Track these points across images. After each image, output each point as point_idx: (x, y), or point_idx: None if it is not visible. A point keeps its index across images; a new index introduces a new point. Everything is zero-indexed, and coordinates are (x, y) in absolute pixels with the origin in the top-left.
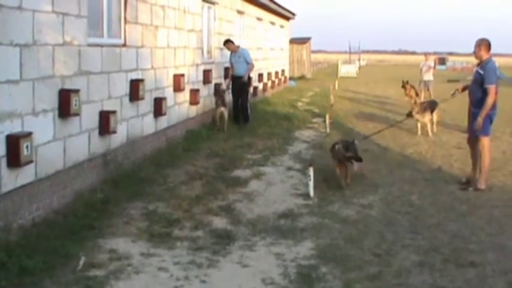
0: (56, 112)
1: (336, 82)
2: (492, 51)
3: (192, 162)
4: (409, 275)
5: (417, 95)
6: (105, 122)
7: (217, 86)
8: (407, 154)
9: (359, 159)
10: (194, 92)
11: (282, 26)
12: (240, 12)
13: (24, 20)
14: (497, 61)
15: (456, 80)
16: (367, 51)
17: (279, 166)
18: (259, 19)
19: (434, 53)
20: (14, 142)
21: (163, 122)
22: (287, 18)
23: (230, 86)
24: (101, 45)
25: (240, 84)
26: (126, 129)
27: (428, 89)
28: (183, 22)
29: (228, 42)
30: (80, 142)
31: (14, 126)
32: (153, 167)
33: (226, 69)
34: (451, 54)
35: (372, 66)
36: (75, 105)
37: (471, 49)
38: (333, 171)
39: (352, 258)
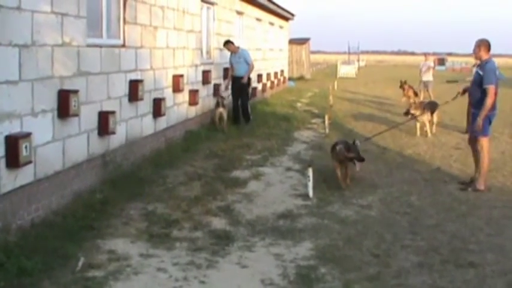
0: (55, 113)
1: (335, 83)
2: (492, 51)
3: (191, 162)
4: (408, 275)
5: (416, 95)
6: (104, 123)
7: (216, 87)
8: (406, 155)
9: (361, 159)
10: (193, 93)
11: (281, 27)
12: (239, 12)
13: (23, 21)
14: (497, 61)
15: (455, 81)
16: (366, 52)
17: (278, 167)
18: (258, 20)
19: (434, 54)
20: (13, 143)
21: (163, 122)
22: (286, 19)
23: (230, 87)
24: (100, 46)
25: (239, 85)
26: (125, 129)
27: (427, 90)
28: (182, 23)
29: (228, 43)
30: (79, 143)
31: (13, 127)
32: (152, 168)
33: (225, 70)
34: (450, 54)
35: (371, 66)
36: (74, 105)
37: (470, 50)
38: (332, 172)
39: (351, 258)
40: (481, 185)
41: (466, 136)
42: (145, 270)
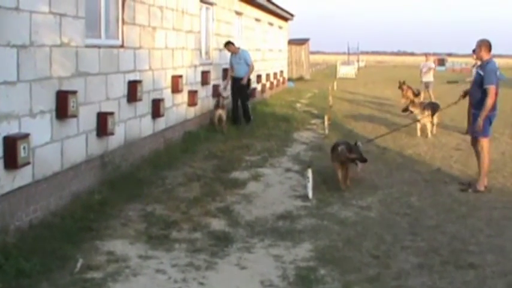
0: (54, 113)
1: (335, 83)
2: (492, 51)
3: (190, 163)
4: (408, 276)
5: (415, 95)
6: (102, 124)
7: (216, 88)
8: (406, 155)
9: (364, 160)
10: (192, 94)
11: (280, 27)
12: (238, 13)
13: (21, 21)
14: (497, 62)
15: (455, 81)
16: (366, 52)
17: (278, 168)
18: (257, 20)
19: (434, 54)
20: (11, 143)
21: (161, 123)
22: (285, 19)
23: (229, 87)
24: (99, 46)
25: (239, 86)
26: (123, 130)
27: (428, 90)
28: (181, 23)
29: (228, 44)
30: (77, 144)
31: (11, 128)
32: (151, 169)
33: (224, 71)
34: (450, 55)
35: (371, 67)
36: (73, 106)
37: (470, 50)
38: (332, 173)
39: (351, 260)
40: (481, 186)
41: (467, 137)
42: (144, 272)
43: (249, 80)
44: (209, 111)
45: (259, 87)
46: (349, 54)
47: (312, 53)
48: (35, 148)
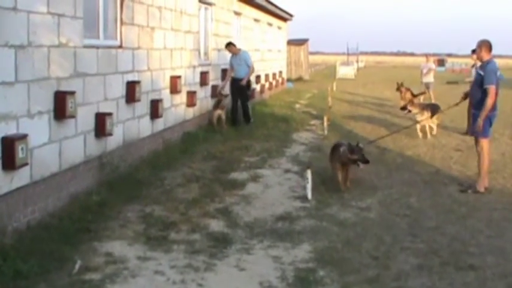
0: (52, 114)
1: (334, 84)
2: (492, 52)
3: (188, 164)
4: (407, 278)
5: (414, 96)
6: (101, 124)
7: (215, 88)
8: (406, 156)
9: (366, 161)
10: (191, 94)
11: (279, 27)
12: (237, 13)
13: (19, 21)
14: (497, 62)
15: (455, 82)
16: (366, 53)
17: (277, 168)
18: (256, 20)
19: (434, 55)
20: (9, 144)
21: (160, 124)
22: (284, 20)
23: (229, 88)
24: (97, 47)
25: (239, 86)
26: (122, 131)
27: (428, 91)
28: (179, 23)
29: (229, 45)
30: (75, 144)
31: (9, 128)
32: (149, 170)
33: (223, 71)
34: (449, 55)
35: (370, 67)
36: (71, 107)
37: (469, 51)
38: (331, 174)
39: (350, 261)
40: (481, 187)
41: (466, 138)
42: (142, 273)
43: (249, 81)
44: (208, 112)
45: (258, 87)
46: (348, 54)
47: (311, 53)
48: (33, 149)
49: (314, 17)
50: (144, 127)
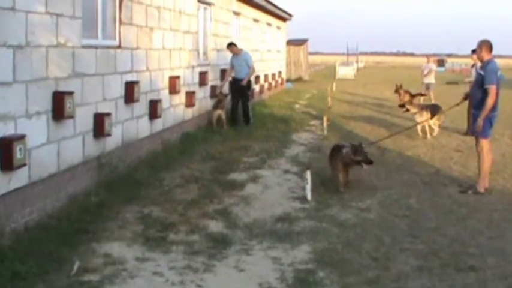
0: (50, 114)
1: (334, 84)
2: (492, 52)
3: (187, 165)
4: (407, 279)
5: (413, 96)
6: (99, 125)
7: (214, 88)
8: (405, 157)
9: (369, 162)
10: (190, 94)
11: (278, 28)
12: (236, 13)
13: (17, 21)
14: (498, 62)
15: (455, 82)
16: (365, 53)
17: (276, 169)
18: (255, 20)
19: (434, 55)
20: (7, 145)
21: (159, 124)
22: (284, 20)
23: (228, 88)
24: (95, 47)
25: (239, 87)
26: (121, 131)
27: (429, 92)
28: (178, 23)
29: (231, 45)
30: (74, 145)
31: (7, 129)
32: (148, 170)
33: (222, 71)
34: (449, 55)
35: (370, 68)
36: (69, 107)
37: (469, 51)
38: (331, 174)
39: (350, 262)
40: (481, 188)
41: (466, 138)
42: (141, 274)
43: (249, 81)
44: (207, 112)
45: (257, 88)
46: (348, 54)
47: (311, 53)
48: (31, 149)
49: (314, 17)
50: (143, 127)
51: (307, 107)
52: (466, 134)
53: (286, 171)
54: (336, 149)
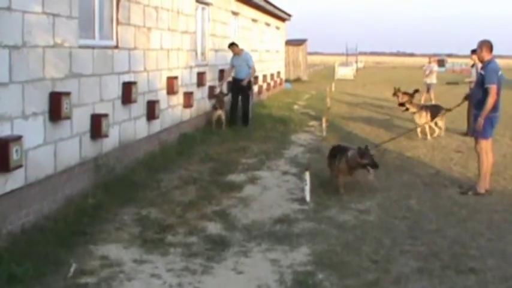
0: (47, 115)
1: (333, 84)
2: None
3: (185, 166)
4: (407, 281)
5: (411, 95)
6: (96, 126)
7: (212, 89)
8: (405, 158)
9: (375, 166)
10: (188, 95)
11: (277, 28)
12: (234, 13)
13: (13, 21)
14: (498, 62)
15: (455, 82)
16: (365, 53)
17: (275, 170)
18: (254, 20)
19: (434, 55)
20: (3, 146)
21: (157, 125)
22: (283, 20)
23: (227, 88)
24: (93, 47)
25: (240, 87)
26: (118, 132)
27: (429, 92)
28: (176, 23)
29: (232, 45)
30: (71, 146)
31: (4, 130)
32: (145, 172)
33: (220, 72)
34: (450, 56)
35: (370, 68)
36: (66, 108)
37: (469, 51)
38: (330, 175)
39: (349, 264)
40: (481, 189)
41: (466, 139)
42: (138, 277)
43: (250, 82)
44: (205, 113)
45: (256, 88)
46: (347, 55)
47: (310, 53)
48: (28, 150)
49: (313, 17)
50: (141, 128)
51: (306, 107)
52: (466, 134)
53: (285, 173)
54: (338, 150)
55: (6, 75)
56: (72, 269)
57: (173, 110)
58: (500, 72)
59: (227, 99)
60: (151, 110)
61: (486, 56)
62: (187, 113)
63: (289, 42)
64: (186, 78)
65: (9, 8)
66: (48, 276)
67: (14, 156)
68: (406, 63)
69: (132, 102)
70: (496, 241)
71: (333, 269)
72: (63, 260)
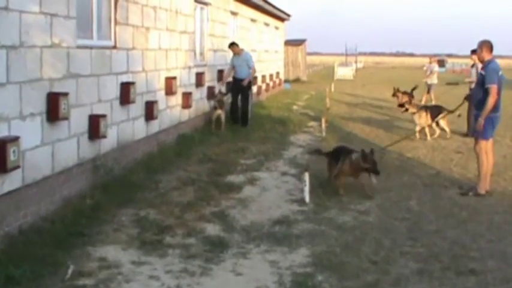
0: (44, 116)
1: (332, 85)
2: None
3: (184, 167)
4: (407, 283)
5: (410, 94)
6: (94, 126)
7: (211, 89)
8: (405, 159)
9: (376, 172)
10: (186, 96)
11: (276, 28)
12: (233, 13)
13: (11, 21)
14: (498, 62)
15: (456, 83)
16: (364, 53)
17: (274, 171)
18: (253, 20)
19: (434, 55)
20: (0, 147)
21: (155, 126)
22: (282, 20)
23: (226, 88)
24: (91, 47)
25: (240, 87)
26: (116, 133)
27: (429, 92)
28: (175, 23)
29: (233, 45)
30: (68, 147)
31: (1, 130)
32: (144, 173)
33: (219, 72)
34: (450, 56)
35: (369, 68)
36: (64, 108)
37: (469, 51)
38: (330, 177)
39: (349, 265)
40: (481, 189)
41: (467, 139)
42: (137, 278)
43: (250, 82)
44: (204, 114)
45: (255, 88)
46: (347, 55)
47: (309, 53)
48: (25, 151)
49: (312, 17)
50: (139, 129)
51: (305, 108)
52: (466, 135)
53: (284, 173)
54: (343, 152)
55: (4, 76)
56: (69, 271)
57: (172, 110)
58: (500, 73)
59: (227, 99)
60: (150, 111)
61: (486, 56)
62: (186, 114)
63: (288, 42)
64: (185, 79)
65: (6, 8)
66: (45, 278)
67: (12, 157)
68: (405, 64)
69: (130, 103)
70: (496, 242)
71: (332, 271)
72: (60, 262)
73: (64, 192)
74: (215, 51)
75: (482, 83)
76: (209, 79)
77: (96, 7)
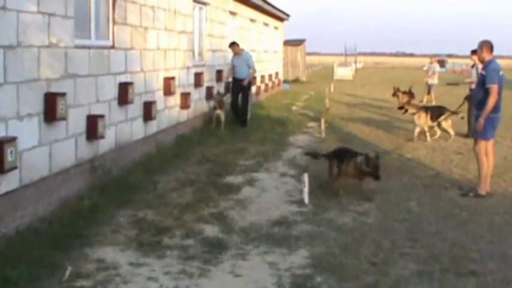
0: (42, 116)
1: (332, 85)
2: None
3: (182, 168)
4: (407, 284)
5: (411, 94)
6: (92, 127)
7: (210, 90)
8: (405, 159)
9: (377, 178)
10: (185, 96)
11: (275, 28)
12: (232, 13)
13: (8, 21)
14: (499, 62)
15: (456, 83)
16: (364, 53)
17: (273, 172)
18: (252, 20)
19: (434, 55)
20: None
21: (153, 126)
22: (281, 20)
23: (224, 88)
24: (89, 47)
25: (240, 87)
26: (114, 134)
27: (429, 93)
28: (173, 23)
29: (233, 45)
30: (66, 147)
31: None
32: (142, 173)
33: (218, 72)
34: (450, 56)
35: (369, 68)
36: (62, 109)
37: (469, 51)
38: (330, 178)
39: (348, 267)
40: (482, 190)
41: (467, 140)
42: (135, 280)
43: (250, 82)
44: (202, 114)
45: (254, 89)
46: (346, 55)
47: (308, 54)
48: (23, 152)
49: (311, 17)
50: (137, 130)
51: (304, 108)
52: (466, 136)
53: (283, 174)
54: (347, 154)
55: (1, 76)
56: (67, 272)
57: (170, 111)
58: (501, 73)
59: (226, 99)
60: (148, 111)
61: (487, 56)
62: (185, 114)
63: (287, 43)
64: (183, 79)
65: (3, 8)
66: (43, 279)
67: (9, 157)
68: (405, 64)
69: (128, 103)
70: (496, 244)
71: (331, 272)
72: (58, 263)
73: (62, 193)
74: (214, 51)
75: (482, 83)
76: (208, 79)
77: (94, 7)
